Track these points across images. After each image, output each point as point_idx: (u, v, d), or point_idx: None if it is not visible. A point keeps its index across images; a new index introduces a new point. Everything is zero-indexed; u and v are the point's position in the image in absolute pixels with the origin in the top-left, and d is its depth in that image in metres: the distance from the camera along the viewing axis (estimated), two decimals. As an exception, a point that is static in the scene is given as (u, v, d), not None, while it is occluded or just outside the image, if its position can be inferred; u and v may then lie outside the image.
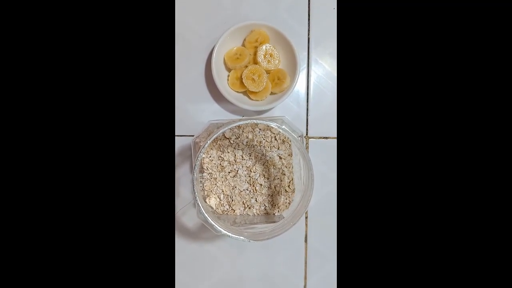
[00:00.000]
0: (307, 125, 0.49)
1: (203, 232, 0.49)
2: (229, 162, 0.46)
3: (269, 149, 0.46)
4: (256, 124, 0.45)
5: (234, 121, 0.37)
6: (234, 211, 0.46)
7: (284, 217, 0.45)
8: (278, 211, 0.46)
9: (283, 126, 0.37)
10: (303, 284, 0.50)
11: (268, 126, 0.42)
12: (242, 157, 0.46)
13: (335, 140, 0.49)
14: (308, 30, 0.49)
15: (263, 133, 0.46)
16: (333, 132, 0.49)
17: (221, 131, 0.37)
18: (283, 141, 0.46)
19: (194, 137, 0.43)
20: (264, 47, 0.46)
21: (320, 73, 0.50)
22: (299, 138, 0.39)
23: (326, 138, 0.49)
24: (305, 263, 0.50)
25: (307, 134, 0.49)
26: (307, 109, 0.49)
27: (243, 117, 0.49)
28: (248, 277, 0.50)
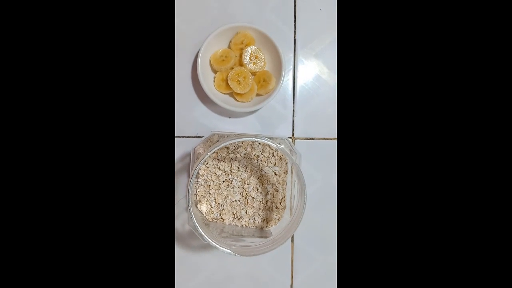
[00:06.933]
0: (293, 126, 0.50)
1: (191, 232, 0.50)
2: (225, 172, 0.45)
3: (265, 164, 0.46)
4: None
5: (236, 137, 0.37)
6: (224, 220, 0.46)
7: (271, 232, 0.45)
8: (267, 226, 0.46)
9: (281, 146, 0.37)
10: (289, 283, 0.51)
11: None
12: (238, 168, 0.45)
13: (322, 140, 0.50)
14: (294, 32, 0.50)
15: (262, 147, 0.46)
16: (319, 133, 0.50)
17: (222, 145, 0.37)
18: (280, 158, 0.46)
19: (196, 145, 0.43)
20: (249, 49, 0.47)
21: (307, 74, 0.50)
22: (297, 158, 0.39)
23: (312, 139, 0.50)
24: (292, 262, 0.51)
25: (293, 135, 0.50)
26: (293, 110, 0.50)
27: (244, 134, 0.47)
28: (235, 276, 0.50)
